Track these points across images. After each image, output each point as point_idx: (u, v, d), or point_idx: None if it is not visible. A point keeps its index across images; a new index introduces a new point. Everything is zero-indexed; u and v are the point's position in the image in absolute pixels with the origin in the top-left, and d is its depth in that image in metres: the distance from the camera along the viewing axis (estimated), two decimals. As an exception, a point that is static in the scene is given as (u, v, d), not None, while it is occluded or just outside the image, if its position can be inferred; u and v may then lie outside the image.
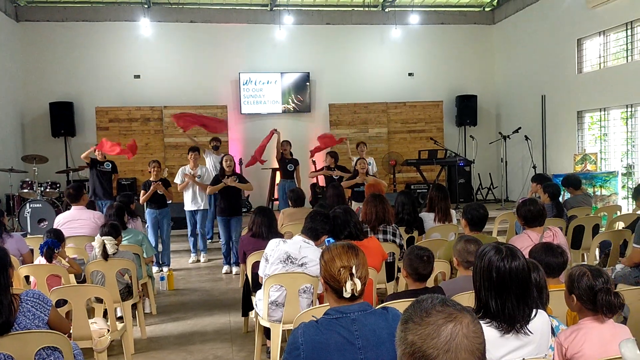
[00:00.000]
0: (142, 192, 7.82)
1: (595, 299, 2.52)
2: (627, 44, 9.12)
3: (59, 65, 11.56)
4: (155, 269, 7.36)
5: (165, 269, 7.68)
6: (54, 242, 4.59)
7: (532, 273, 2.69)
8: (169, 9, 11.98)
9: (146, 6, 11.68)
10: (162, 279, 7.03)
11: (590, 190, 8.77)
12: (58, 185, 9.88)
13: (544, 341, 2.37)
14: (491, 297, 2.26)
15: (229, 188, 7.53)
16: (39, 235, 7.40)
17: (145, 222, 7.91)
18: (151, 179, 7.81)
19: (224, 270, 7.80)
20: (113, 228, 4.92)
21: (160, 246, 7.98)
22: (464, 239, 3.53)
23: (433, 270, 3.45)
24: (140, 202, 7.86)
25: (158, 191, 7.76)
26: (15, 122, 11.18)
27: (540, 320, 2.34)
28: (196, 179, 8.20)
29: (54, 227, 5.83)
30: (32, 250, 5.28)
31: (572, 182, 7.19)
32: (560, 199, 6.85)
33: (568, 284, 2.66)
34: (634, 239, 4.75)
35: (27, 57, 11.47)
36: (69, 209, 6.48)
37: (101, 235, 4.75)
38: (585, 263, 5.10)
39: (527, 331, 2.25)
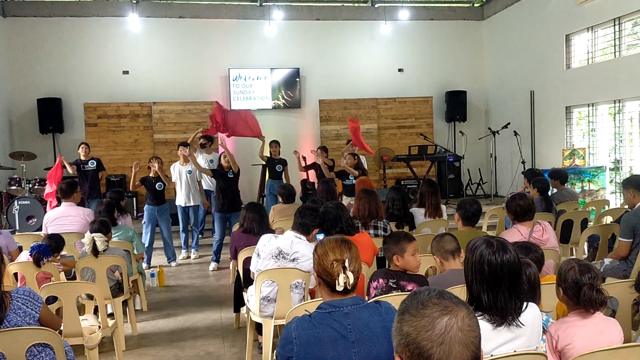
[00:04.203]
0: (134, 182, 7.87)
1: (579, 294, 2.57)
2: (614, 39, 9.18)
3: (47, 61, 11.44)
4: (144, 265, 7.35)
5: (173, 263, 7.94)
6: (46, 250, 4.40)
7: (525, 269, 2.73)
8: (157, 4, 11.89)
9: (134, 1, 11.58)
10: (152, 275, 7.00)
11: (578, 185, 8.84)
12: (46, 182, 9.80)
13: (535, 333, 2.39)
14: (483, 290, 2.27)
15: (228, 185, 7.72)
16: (28, 233, 7.38)
17: (141, 218, 7.93)
18: (150, 174, 7.89)
19: (211, 267, 7.78)
20: (102, 225, 4.89)
21: (155, 242, 8.00)
22: (435, 239, 3.54)
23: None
24: (130, 188, 7.96)
25: (151, 176, 7.83)
26: (3, 119, 11.05)
27: (531, 313, 2.36)
28: (188, 174, 8.23)
29: (43, 223, 5.82)
30: (20, 248, 5.25)
31: (561, 176, 7.22)
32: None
33: (557, 277, 2.72)
34: (620, 232, 4.82)
35: (14, 53, 11.33)
36: (58, 206, 6.44)
37: (91, 232, 4.72)
38: (575, 257, 5.14)
39: (519, 323, 2.27)
